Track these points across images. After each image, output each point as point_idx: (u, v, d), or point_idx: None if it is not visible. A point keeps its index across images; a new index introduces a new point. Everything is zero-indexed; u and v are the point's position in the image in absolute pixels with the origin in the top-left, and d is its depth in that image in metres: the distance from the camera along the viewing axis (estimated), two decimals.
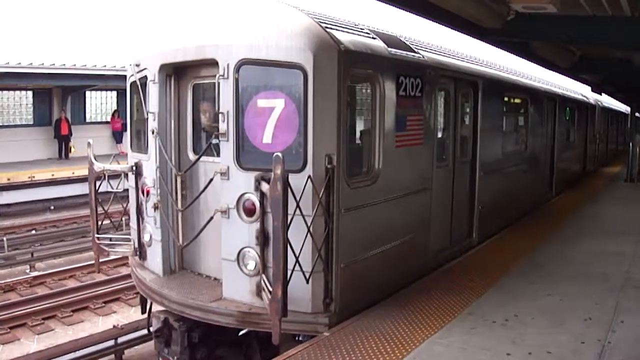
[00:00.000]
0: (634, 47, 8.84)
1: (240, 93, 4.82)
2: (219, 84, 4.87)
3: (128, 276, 10.83)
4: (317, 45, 4.60)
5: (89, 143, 6.30)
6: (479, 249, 7.78)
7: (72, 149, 22.28)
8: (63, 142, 22.04)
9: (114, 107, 24.86)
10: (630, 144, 17.64)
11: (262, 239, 4.77)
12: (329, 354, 4.44)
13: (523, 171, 10.26)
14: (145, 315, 6.38)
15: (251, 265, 4.92)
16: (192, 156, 5.65)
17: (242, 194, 4.89)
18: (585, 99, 16.62)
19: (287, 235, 4.20)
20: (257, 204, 4.77)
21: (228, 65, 4.80)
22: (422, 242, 6.34)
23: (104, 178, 6.32)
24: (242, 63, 4.76)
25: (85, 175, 20.54)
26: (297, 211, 4.36)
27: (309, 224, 4.49)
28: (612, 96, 24.61)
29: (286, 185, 4.17)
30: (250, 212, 4.87)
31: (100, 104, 24.80)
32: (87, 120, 24.11)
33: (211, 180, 5.04)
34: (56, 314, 9.33)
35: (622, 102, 28.72)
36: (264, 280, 4.71)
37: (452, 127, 6.99)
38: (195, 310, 5.11)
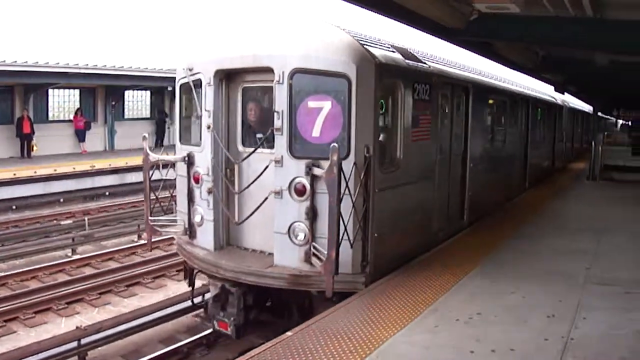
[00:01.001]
0: (596, 48, 9.58)
1: (293, 96, 6.41)
2: (274, 88, 6.46)
3: (91, 276, 11.49)
4: (358, 59, 6.27)
5: (144, 137, 7.67)
6: (443, 246, 8.58)
7: (35, 148, 23.10)
8: (25, 141, 22.83)
9: (77, 105, 25.78)
10: (593, 143, 19.33)
11: (312, 214, 6.37)
12: (292, 353, 5.02)
13: (503, 164, 12.37)
14: (190, 290, 7.94)
15: (301, 236, 6.50)
16: (240, 148, 7.20)
17: (294, 178, 6.47)
18: (553, 99, 19.05)
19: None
20: (308, 186, 6.37)
21: (283, 72, 6.39)
22: (427, 221, 8.15)
23: (156, 167, 7.70)
24: (295, 71, 6.37)
25: (48, 174, 21.33)
26: (343, 189, 5.99)
27: (353, 201, 6.14)
28: (575, 96, 26.96)
29: (340, 169, 5.79)
30: (300, 192, 6.45)
31: (63, 102, 25.61)
32: (50, 118, 24.93)
33: (266, 167, 6.60)
34: (18, 316, 9.57)
35: (585, 102, 31.60)
36: (314, 248, 6.32)
37: (449, 125, 8.82)
38: (251, 276, 6.65)
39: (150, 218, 7.66)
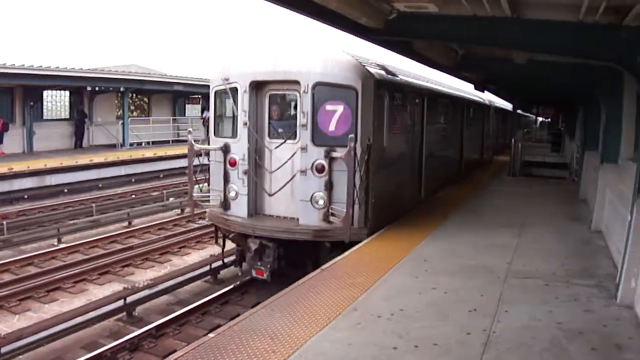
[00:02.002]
0: (514, 46, 10.45)
1: (315, 101, 10.32)
2: (301, 95, 10.34)
3: (10, 283, 12.05)
4: (363, 76, 10.33)
5: (189, 131, 11.27)
6: (365, 244, 10.27)
7: None
8: None
9: None
10: (513, 140, 22.62)
11: (329, 186, 10.30)
12: (214, 355, 5.72)
13: (447, 154, 17.22)
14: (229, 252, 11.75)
15: (320, 202, 10.39)
16: (267, 139, 10.98)
17: (315, 160, 10.35)
18: (482, 100, 24.34)
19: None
20: (326, 166, 10.27)
21: (308, 84, 10.28)
22: (400, 193, 12.42)
23: (198, 155, 11.29)
24: (317, 84, 10.29)
25: None
26: (355, 167, 9.99)
27: (361, 175, 10.16)
28: (495, 94, 31.05)
29: (355, 152, 9.80)
30: (320, 171, 10.33)
31: None
32: None
33: (294, 153, 10.46)
34: None
35: (505, 100, 37.24)
36: (331, 210, 10.25)
37: (412, 123, 13.13)
38: (285, 233, 10.45)
39: (193, 194, 11.27)
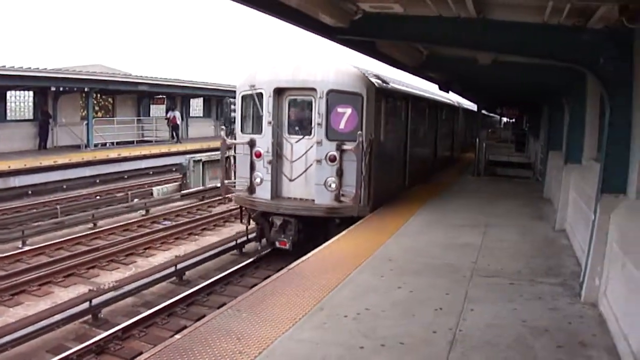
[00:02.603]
0: (479, 47, 11.05)
1: (329, 105, 14.42)
2: (317, 100, 14.47)
3: None
4: (367, 85, 14.55)
5: (222, 128, 15.26)
6: (329, 243, 11.61)
7: None
8: None
9: None
10: (477, 140, 25.01)
11: (340, 173, 14.40)
12: (181, 356, 6.13)
13: (425, 150, 21.85)
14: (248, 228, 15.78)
15: (333, 186, 14.46)
16: (286, 135, 15.01)
17: (328, 152, 14.42)
18: (452, 102, 29.15)
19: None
20: (337, 157, 14.37)
21: (323, 91, 14.38)
22: (391, 181, 16.84)
23: (230, 148, 15.30)
24: (330, 91, 14.42)
25: None
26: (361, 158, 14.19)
27: (366, 164, 14.35)
28: (460, 95, 33.91)
29: (363, 146, 14.00)
30: (332, 160, 14.40)
31: None
32: None
33: (311, 147, 14.57)
34: None
35: (470, 100, 41.24)
36: (342, 192, 14.39)
37: (399, 122, 17.52)
38: (303, 210, 14.50)
39: (225, 181, 15.27)
